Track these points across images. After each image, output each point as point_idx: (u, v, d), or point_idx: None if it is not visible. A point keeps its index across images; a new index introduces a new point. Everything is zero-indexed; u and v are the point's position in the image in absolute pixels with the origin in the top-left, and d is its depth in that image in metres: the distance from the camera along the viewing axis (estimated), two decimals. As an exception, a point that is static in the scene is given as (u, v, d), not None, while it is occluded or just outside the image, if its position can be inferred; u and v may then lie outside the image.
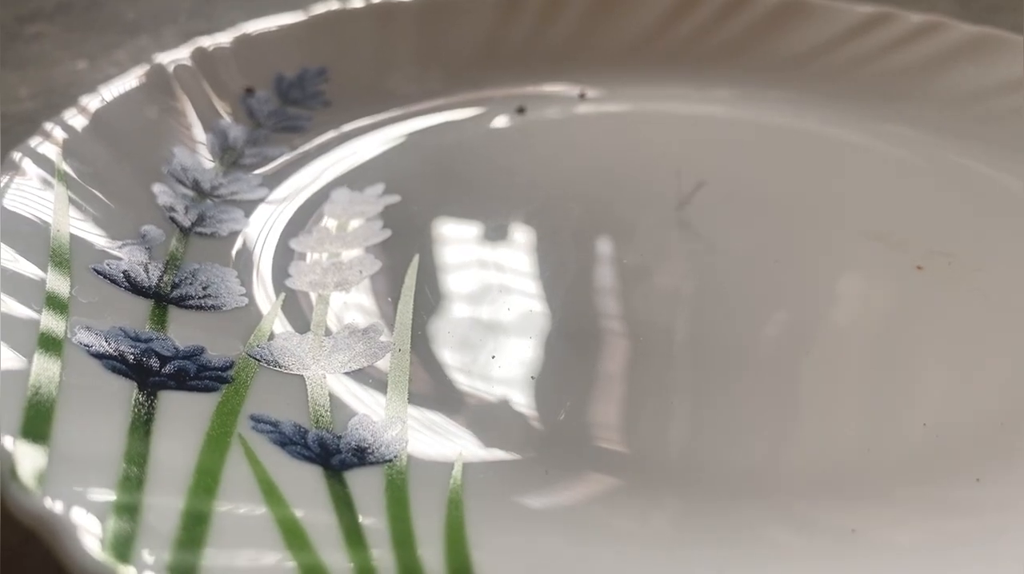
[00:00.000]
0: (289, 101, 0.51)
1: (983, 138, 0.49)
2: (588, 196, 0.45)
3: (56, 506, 0.24)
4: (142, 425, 0.29)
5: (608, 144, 0.50)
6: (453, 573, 0.26)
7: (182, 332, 0.34)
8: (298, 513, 0.27)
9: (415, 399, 0.33)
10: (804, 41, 0.56)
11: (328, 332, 0.36)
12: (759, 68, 0.56)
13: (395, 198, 0.45)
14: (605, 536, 0.28)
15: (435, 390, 0.34)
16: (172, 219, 0.41)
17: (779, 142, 0.51)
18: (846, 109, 0.53)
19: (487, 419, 0.33)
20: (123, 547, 0.23)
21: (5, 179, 0.37)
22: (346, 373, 0.34)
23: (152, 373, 0.32)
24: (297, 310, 0.37)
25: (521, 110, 0.53)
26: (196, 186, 0.43)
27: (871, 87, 0.54)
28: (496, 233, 0.42)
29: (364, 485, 0.29)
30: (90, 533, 0.23)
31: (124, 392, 0.30)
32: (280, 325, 0.36)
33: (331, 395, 0.33)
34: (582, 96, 0.54)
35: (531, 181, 0.46)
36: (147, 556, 0.23)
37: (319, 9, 0.53)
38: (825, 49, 0.56)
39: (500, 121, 0.52)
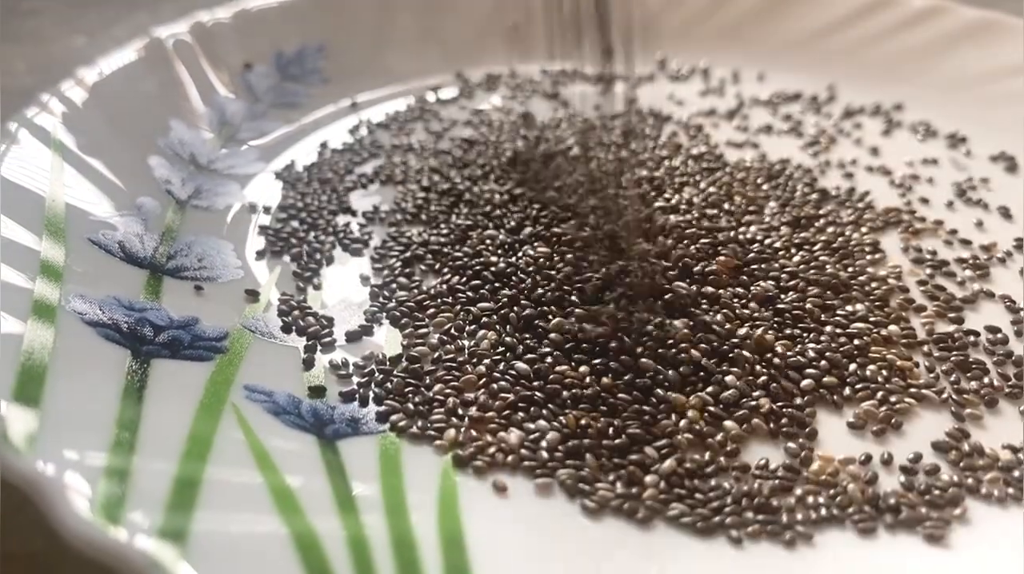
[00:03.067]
0: (288, 77, 0.51)
1: (985, 120, 0.49)
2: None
3: (47, 468, 0.24)
4: (135, 392, 0.29)
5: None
6: (446, 541, 0.26)
7: (177, 302, 0.34)
8: (291, 480, 0.27)
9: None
10: (806, 24, 0.56)
11: (323, 305, 0.36)
12: (760, 50, 0.56)
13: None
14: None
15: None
16: (168, 192, 0.40)
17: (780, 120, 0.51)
18: (848, 90, 0.53)
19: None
20: (113, 509, 0.23)
21: (0, 148, 0.37)
22: (340, 345, 0.34)
23: (146, 341, 0.31)
24: (292, 283, 0.37)
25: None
26: (193, 159, 0.43)
27: (873, 69, 0.54)
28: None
29: (358, 454, 0.29)
30: (80, 495, 0.23)
31: (117, 359, 0.30)
32: (276, 297, 0.36)
33: (325, 366, 0.33)
34: (581, 74, 0.54)
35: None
36: (138, 519, 0.23)
37: (319, -14, 0.53)
38: (828, 32, 0.56)
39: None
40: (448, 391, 0.32)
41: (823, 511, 0.28)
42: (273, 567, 0.23)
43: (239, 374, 0.32)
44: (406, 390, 0.32)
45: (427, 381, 0.32)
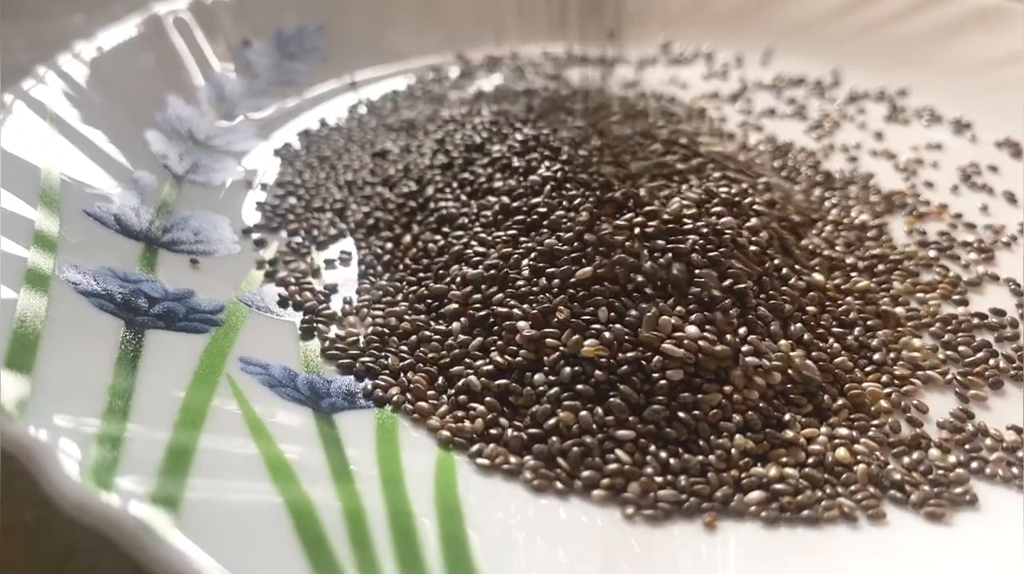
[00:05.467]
0: (287, 55, 0.50)
1: (991, 106, 0.48)
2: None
3: (39, 434, 0.23)
4: (128, 361, 0.28)
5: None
6: (443, 511, 0.25)
7: (172, 275, 0.34)
8: (286, 451, 0.26)
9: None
10: (811, 8, 0.56)
11: (321, 280, 0.36)
12: (764, 34, 0.55)
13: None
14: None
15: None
16: (165, 166, 0.40)
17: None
18: (853, 76, 0.53)
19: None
20: (105, 475, 0.23)
21: (-4, 119, 0.36)
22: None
23: (140, 312, 0.31)
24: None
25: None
26: (191, 135, 0.43)
27: (878, 55, 0.53)
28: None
29: (354, 427, 0.29)
30: (71, 460, 0.23)
31: (111, 329, 0.30)
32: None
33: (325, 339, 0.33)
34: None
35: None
36: (130, 484, 0.23)
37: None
38: (832, 17, 0.55)
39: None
40: (432, 370, 0.32)
41: (827, 489, 0.28)
42: (267, 535, 0.23)
43: (234, 347, 0.31)
44: (401, 365, 0.32)
45: (419, 355, 0.32)
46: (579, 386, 0.30)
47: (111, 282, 0.32)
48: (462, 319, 0.33)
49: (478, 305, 0.33)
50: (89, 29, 0.45)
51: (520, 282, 0.33)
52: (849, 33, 0.55)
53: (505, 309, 0.32)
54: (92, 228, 0.34)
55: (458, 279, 0.34)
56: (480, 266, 0.34)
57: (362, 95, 0.50)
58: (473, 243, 0.35)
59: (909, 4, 0.54)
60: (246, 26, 0.50)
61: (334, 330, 0.33)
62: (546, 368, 0.30)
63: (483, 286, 0.33)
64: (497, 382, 0.30)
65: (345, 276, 0.36)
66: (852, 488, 0.28)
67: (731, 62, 0.55)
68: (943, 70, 0.52)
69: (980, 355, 0.33)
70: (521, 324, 0.31)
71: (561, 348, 0.31)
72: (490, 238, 0.35)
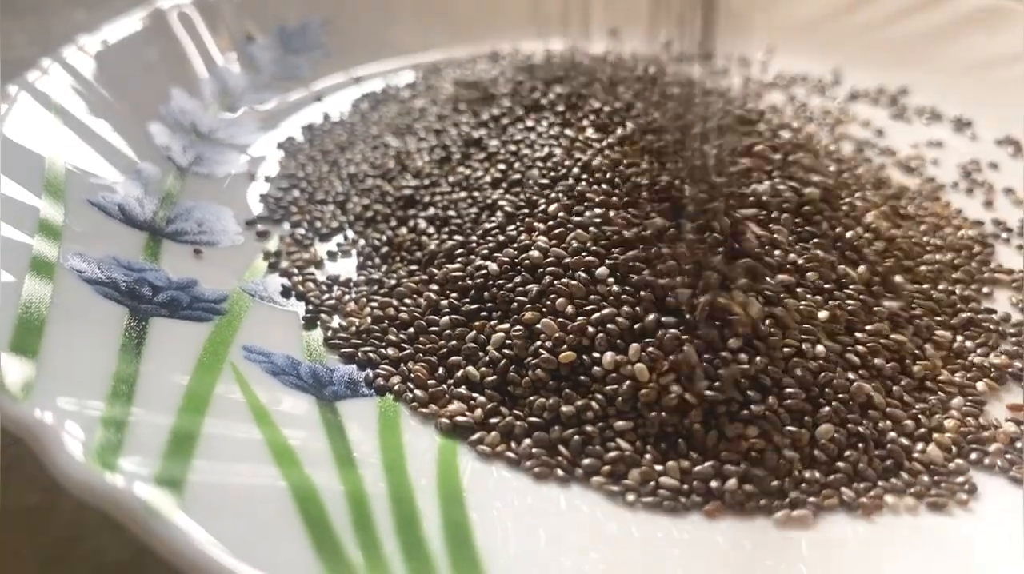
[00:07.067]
0: (290, 50, 0.50)
1: (991, 105, 0.49)
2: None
3: (44, 416, 0.24)
4: (133, 348, 0.29)
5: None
6: (444, 498, 0.26)
7: (176, 265, 0.34)
8: (289, 436, 0.27)
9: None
10: (814, 6, 0.56)
11: (324, 270, 0.36)
12: (765, 33, 0.56)
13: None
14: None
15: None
16: (169, 158, 0.40)
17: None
18: (854, 75, 0.53)
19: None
20: (109, 456, 0.23)
21: (1, 110, 0.36)
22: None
23: (144, 300, 0.31)
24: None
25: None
26: (194, 128, 0.43)
27: (879, 54, 0.53)
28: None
29: (356, 415, 0.29)
30: (76, 441, 0.23)
31: (115, 316, 0.30)
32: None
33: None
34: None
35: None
36: (134, 466, 0.23)
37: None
38: (833, 16, 0.56)
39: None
40: (432, 360, 0.32)
41: (830, 478, 0.28)
42: (271, 517, 0.23)
43: (238, 335, 0.31)
44: (402, 355, 0.32)
45: (419, 345, 0.32)
46: (580, 377, 0.30)
47: (115, 271, 0.32)
48: (451, 316, 0.33)
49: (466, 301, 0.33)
50: (91, 24, 0.45)
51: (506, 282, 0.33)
52: (849, 33, 0.55)
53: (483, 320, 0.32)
54: (97, 218, 0.35)
55: (438, 276, 0.34)
56: (459, 263, 0.35)
57: (365, 89, 0.50)
58: (455, 239, 0.36)
59: (909, 4, 0.54)
60: (249, 21, 0.50)
61: (336, 320, 0.33)
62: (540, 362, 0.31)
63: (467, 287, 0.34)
64: (493, 377, 0.31)
65: (347, 267, 0.36)
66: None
67: (732, 60, 0.55)
68: (943, 70, 0.52)
69: (981, 350, 0.33)
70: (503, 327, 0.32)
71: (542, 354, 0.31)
72: (478, 236, 0.36)
